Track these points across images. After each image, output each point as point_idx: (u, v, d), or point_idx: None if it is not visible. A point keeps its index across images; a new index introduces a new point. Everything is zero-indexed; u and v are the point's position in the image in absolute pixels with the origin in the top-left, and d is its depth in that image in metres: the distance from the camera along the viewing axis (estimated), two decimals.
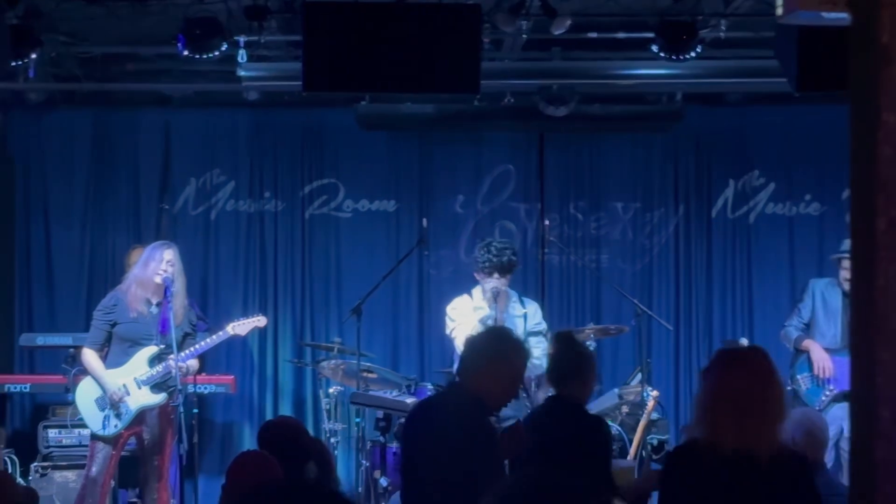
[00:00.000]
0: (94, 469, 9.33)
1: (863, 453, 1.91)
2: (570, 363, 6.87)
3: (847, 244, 10.35)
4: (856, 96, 2.00)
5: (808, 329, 10.38)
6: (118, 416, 9.31)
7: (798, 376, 10.25)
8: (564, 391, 6.83)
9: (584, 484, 2.40)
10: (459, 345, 9.67)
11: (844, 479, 8.27)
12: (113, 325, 9.41)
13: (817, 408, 9.79)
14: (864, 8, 1.94)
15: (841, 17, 4.94)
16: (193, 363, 9.56)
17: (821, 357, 10.16)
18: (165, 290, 9.27)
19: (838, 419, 9.76)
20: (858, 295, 1.94)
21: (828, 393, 10.11)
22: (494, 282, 9.65)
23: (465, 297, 9.89)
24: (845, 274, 10.21)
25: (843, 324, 10.28)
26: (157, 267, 9.35)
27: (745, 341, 10.61)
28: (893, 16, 1.88)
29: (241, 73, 10.50)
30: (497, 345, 6.11)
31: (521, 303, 9.98)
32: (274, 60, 10.86)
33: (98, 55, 11.18)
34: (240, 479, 5.83)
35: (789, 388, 10.28)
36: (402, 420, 8.49)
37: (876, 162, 1.89)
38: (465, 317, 9.72)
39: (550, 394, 6.99)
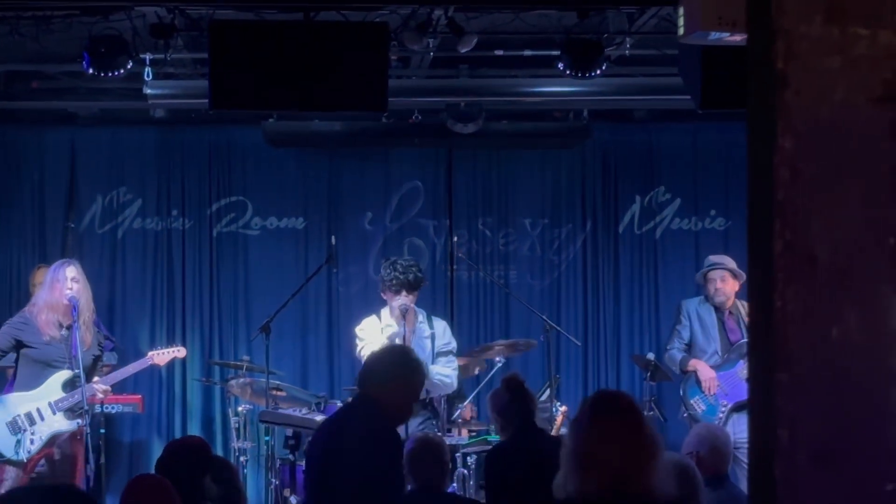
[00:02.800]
0: (1, 492, 9.21)
1: (762, 471, 1.94)
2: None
3: (711, 260, 10.61)
4: (753, 120, 2.03)
5: (689, 349, 10.54)
6: (31, 441, 9.20)
7: (691, 401, 10.37)
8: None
9: None
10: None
11: (743, 486, 8.39)
12: (17, 342, 9.31)
13: None
14: (761, 34, 1.98)
15: (739, 38, 5.01)
16: (107, 387, 9.49)
17: (708, 376, 10.31)
18: (73, 309, 9.18)
19: (735, 432, 9.86)
20: (755, 317, 1.98)
21: (723, 409, 10.23)
22: (402, 299, 9.65)
23: (373, 317, 9.88)
24: (712, 287, 10.45)
25: (722, 339, 10.46)
26: (62, 287, 9.26)
27: (651, 356, 10.70)
28: (788, 42, 1.92)
29: (148, 90, 10.43)
30: (397, 361, 6.34)
31: (429, 322, 9.99)
32: (180, 78, 10.80)
33: (2, 73, 11.07)
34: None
35: (685, 414, 10.40)
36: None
37: (773, 185, 1.93)
38: (373, 336, 9.71)
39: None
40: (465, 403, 10.38)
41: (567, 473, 4.69)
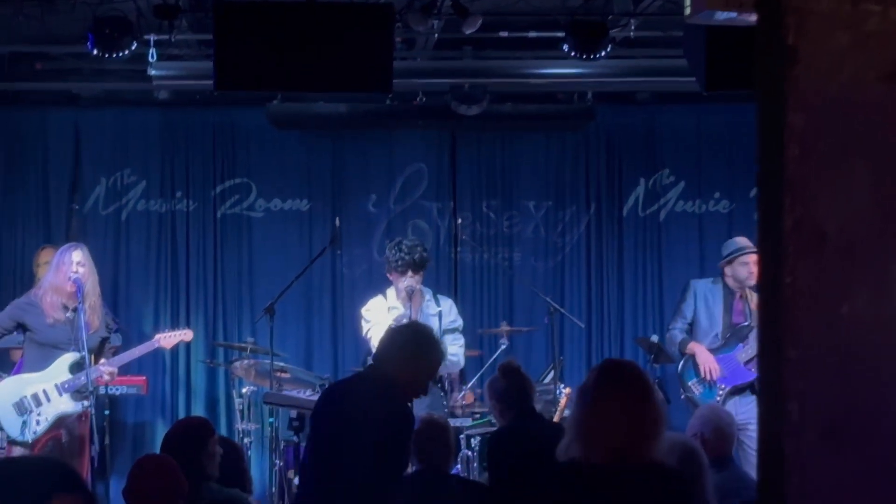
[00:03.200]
0: None
1: (771, 447, 1.94)
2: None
3: (739, 243, 10.44)
4: (762, 97, 2.03)
5: (692, 329, 10.47)
6: (38, 421, 9.21)
7: (688, 383, 10.34)
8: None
9: None
10: (375, 345, 9.68)
11: (746, 468, 8.41)
12: (18, 324, 9.33)
13: None
14: (771, 10, 1.97)
15: (748, 17, 5.00)
16: (114, 369, 9.51)
17: (706, 360, 10.21)
18: (78, 291, 9.19)
19: (740, 413, 9.85)
20: (765, 293, 1.98)
21: (720, 393, 10.21)
22: (408, 280, 9.65)
23: (379, 297, 9.89)
24: (745, 271, 10.26)
25: (725, 322, 10.39)
26: (67, 270, 9.27)
27: (655, 338, 10.69)
28: (799, 18, 1.92)
29: (152, 72, 10.43)
30: (416, 339, 6.35)
31: (436, 300, 10.01)
32: (185, 59, 10.79)
33: (6, 54, 11.05)
34: (140, 484, 5.79)
35: (682, 396, 10.39)
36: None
37: (782, 162, 1.93)
38: (379, 317, 9.72)
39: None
40: (466, 388, 10.38)
41: (571, 441, 4.72)
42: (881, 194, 1.94)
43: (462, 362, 10.09)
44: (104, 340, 9.46)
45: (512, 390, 7.21)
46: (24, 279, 11.28)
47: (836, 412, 1.91)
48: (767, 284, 1.96)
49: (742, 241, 10.52)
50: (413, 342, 6.31)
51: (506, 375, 7.29)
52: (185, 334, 10.01)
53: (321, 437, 6.25)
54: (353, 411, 6.06)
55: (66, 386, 9.21)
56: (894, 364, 1.94)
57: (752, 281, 10.22)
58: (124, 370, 10.89)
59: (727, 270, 10.38)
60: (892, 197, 1.94)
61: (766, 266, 1.99)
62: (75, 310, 9.26)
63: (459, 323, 10.02)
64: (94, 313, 9.35)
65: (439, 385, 9.88)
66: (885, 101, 1.91)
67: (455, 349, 9.81)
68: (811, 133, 1.93)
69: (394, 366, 6.19)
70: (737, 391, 10.06)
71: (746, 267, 10.27)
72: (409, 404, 6.48)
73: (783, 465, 1.93)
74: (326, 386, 9.82)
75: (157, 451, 7.19)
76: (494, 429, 8.22)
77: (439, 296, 10.16)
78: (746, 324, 10.16)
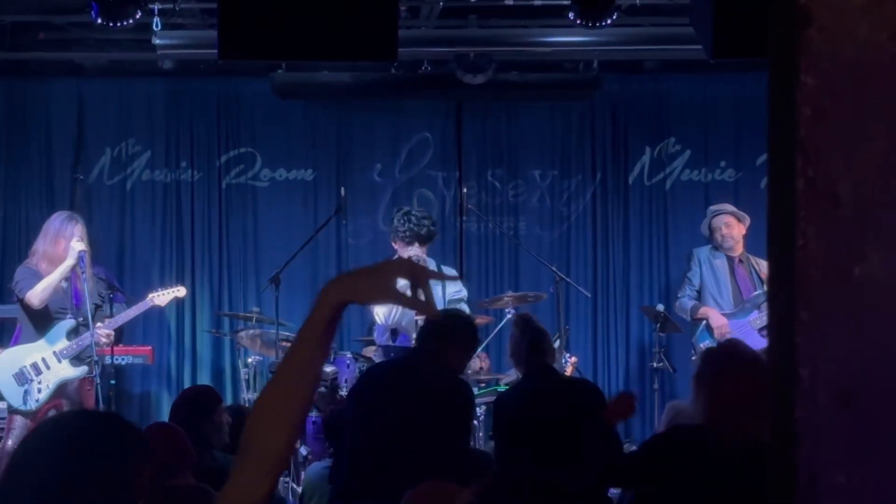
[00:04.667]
0: (10, 442, 9.24)
1: (782, 410, 1.93)
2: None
3: (711, 209, 10.63)
4: (774, 58, 2.01)
5: (699, 296, 10.54)
6: (39, 389, 9.22)
7: (700, 345, 10.38)
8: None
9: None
10: (378, 314, 9.70)
11: None
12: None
13: None
14: None
15: None
16: (109, 331, 9.50)
17: (720, 323, 10.30)
18: (81, 262, 9.18)
19: None
20: (776, 255, 1.96)
21: None
22: (414, 251, 9.65)
23: None
24: (719, 234, 10.44)
25: (733, 286, 10.46)
26: (66, 245, 9.25)
27: (661, 307, 10.69)
28: None
29: (156, 41, 10.40)
30: (469, 327, 6.91)
31: (440, 271, 10.01)
32: (189, 28, 10.77)
33: (8, 24, 11.02)
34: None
35: (693, 357, 10.42)
36: (349, 383, 8.84)
37: (795, 123, 1.90)
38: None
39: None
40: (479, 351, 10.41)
41: (697, 413, 4.81)
42: (894, 156, 1.92)
43: None
44: (97, 307, 9.46)
45: (521, 342, 7.23)
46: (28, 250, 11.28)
47: (848, 376, 1.89)
48: (778, 246, 1.94)
49: (718, 206, 10.70)
50: (464, 329, 6.80)
51: (516, 326, 7.35)
52: (178, 290, 10.02)
53: (383, 420, 6.38)
54: (420, 392, 6.27)
55: (65, 352, 9.23)
56: None
57: (730, 243, 10.42)
58: (129, 340, 10.91)
59: (707, 235, 10.63)
60: None
61: (777, 228, 1.97)
62: (68, 279, 9.27)
63: (464, 294, 10.02)
64: (89, 282, 9.36)
65: None
66: None
67: None
68: (824, 94, 1.91)
69: (446, 350, 6.60)
70: None
71: (718, 231, 10.55)
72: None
73: (794, 429, 1.91)
74: (331, 356, 9.88)
75: (164, 420, 7.20)
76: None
77: (444, 267, 10.16)
78: (760, 292, 10.19)
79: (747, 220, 10.53)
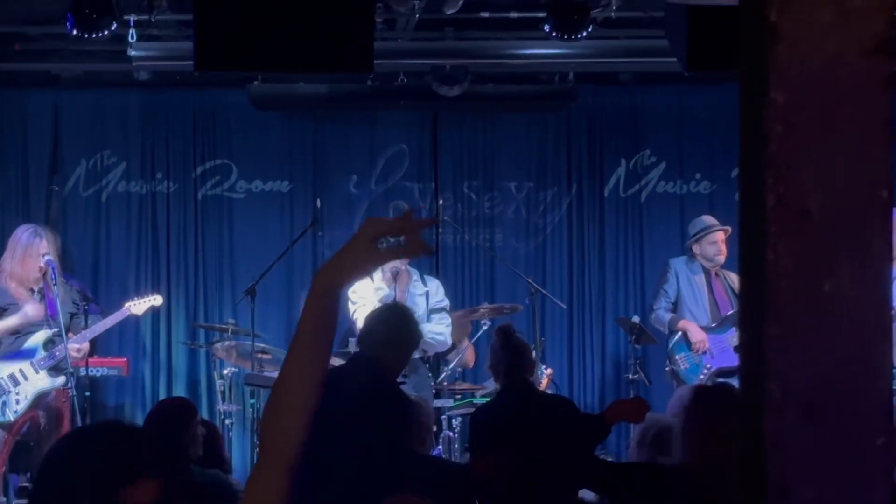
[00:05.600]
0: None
1: (752, 425, 1.94)
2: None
3: (706, 222, 10.59)
4: (745, 74, 2.02)
5: (675, 308, 10.55)
6: (17, 401, 9.19)
7: (676, 356, 10.40)
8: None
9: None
10: (359, 319, 9.70)
11: None
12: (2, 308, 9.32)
13: None
14: None
15: None
16: (85, 345, 9.49)
17: (700, 338, 10.31)
18: (52, 272, 9.16)
19: None
20: (748, 271, 1.97)
21: (706, 370, 10.25)
22: (394, 261, 9.63)
23: (365, 279, 9.87)
24: (714, 249, 10.42)
25: (710, 299, 10.47)
26: (35, 263, 9.25)
27: (637, 319, 10.71)
28: None
29: (132, 52, 10.37)
30: (395, 321, 6.60)
31: (423, 281, 10.04)
32: (165, 40, 10.75)
33: None
34: None
35: (668, 368, 10.44)
36: None
37: (765, 139, 1.92)
38: (366, 298, 9.73)
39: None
40: (465, 347, 10.41)
41: (681, 449, 4.82)
42: (864, 171, 1.94)
43: (449, 342, 10.12)
44: (72, 316, 9.44)
45: (501, 354, 7.22)
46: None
47: (817, 391, 1.91)
48: (749, 262, 1.96)
49: (708, 219, 10.67)
50: (390, 323, 6.52)
51: (497, 337, 7.33)
52: (155, 299, 10.02)
53: (316, 428, 6.27)
54: (347, 399, 6.09)
55: (42, 363, 9.20)
56: (877, 341, 1.94)
57: (722, 258, 10.43)
58: (104, 351, 10.88)
59: (695, 249, 10.58)
60: (874, 173, 1.94)
61: (748, 244, 1.98)
62: (41, 290, 9.26)
63: (446, 303, 10.05)
64: (60, 291, 9.34)
65: (427, 365, 9.90)
66: (867, 78, 1.91)
67: (441, 328, 9.84)
68: (794, 109, 1.92)
69: (377, 349, 6.40)
70: (722, 374, 10.07)
71: (715, 245, 10.50)
72: (400, 382, 6.62)
73: (764, 443, 1.92)
74: None
75: None
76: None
77: (426, 276, 10.18)
78: (735, 309, 10.21)
79: (729, 230, 10.54)
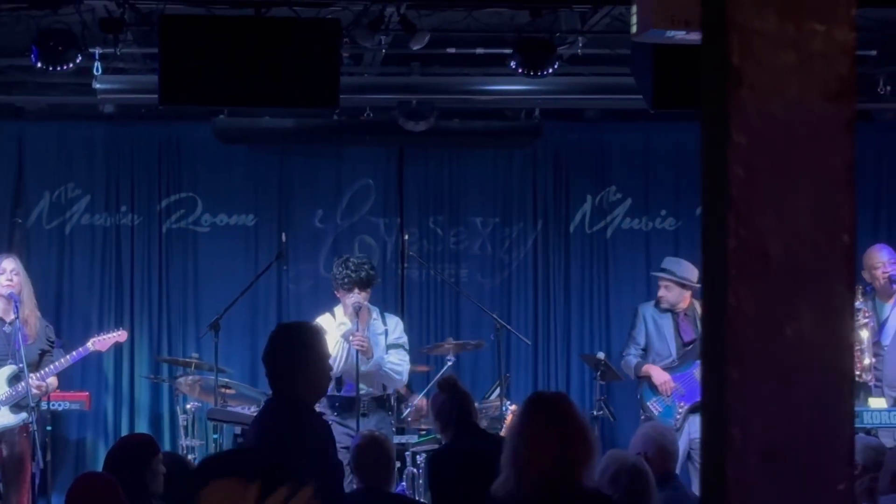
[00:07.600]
0: None
1: (714, 470, 1.93)
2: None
3: (663, 265, 10.62)
4: (707, 116, 2.02)
5: (646, 354, 10.56)
6: None
7: (647, 403, 10.42)
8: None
9: None
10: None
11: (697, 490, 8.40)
12: None
13: (674, 427, 9.90)
14: (715, 29, 1.96)
15: (694, 36, 5.01)
16: (53, 381, 9.43)
17: (663, 379, 10.33)
18: (14, 305, 9.10)
19: (694, 431, 9.91)
20: (709, 314, 1.97)
21: (680, 410, 10.26)
22: (355, 297, 9.61)
23: (327, 315, 9.82)
24: (658, 292, 10.47)
25: (676, 340, 10.48)
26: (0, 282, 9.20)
27: (601, 355, 10.71)
28: (743, 37, 1.91)
29: (97, 85, 10.34)
30: (294, 339, 5.93)
31: (383, 319, 9.98)
32: (130, 73, 10.73)
33: None
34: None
35: (643, 416, 10.42)
36: None
37: (726, 181, 1.91)
38: (328, 335, 9.67)
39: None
40: (419, 397, 10.36)
41: (507, 476, 4.78)
42: (825, 215, 1.94)
43: (405, 379, 10.06)
44: (43, 353, 9.37)
45: (449, 405, 7.21)
46: None
47: (778, 435, 1.90)
48: (711, 305, 1.95)
49: (668, 263, 10.69)
50: (293, 342, 5.88)
51: (443, 390, 7.30)
52: (120, 335, 9.97)
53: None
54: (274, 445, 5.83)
55: (4, 399, 9.13)
56: (838, 386, 1.93)
57: (662, 305, 10.45)
58: (66, 385, 10.79)
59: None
60: (836, 218, 1.94)
61: (710, 286, 1.97)
62: (11, 323, 9.19)
63: (404, 340, 9.98)
64: (29, 324, 9.26)
65: (387, 404, 9.85)
66: (828, 122, 1.91)
67: (397, 362, 9.77)
68: (755, 153, 1.92)
69: (289, 384, 5.83)
70: (697, 409, 10.06)
71: (659, 289, 10.54)
72: (320, 413, 6.44)
73: (725, 487, 1.91)
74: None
75: (100, 468, 7.12)
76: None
77: (386, 314, 10.14)
78: (698, 339, 10.21)
79: (692, 286, 10.42)
